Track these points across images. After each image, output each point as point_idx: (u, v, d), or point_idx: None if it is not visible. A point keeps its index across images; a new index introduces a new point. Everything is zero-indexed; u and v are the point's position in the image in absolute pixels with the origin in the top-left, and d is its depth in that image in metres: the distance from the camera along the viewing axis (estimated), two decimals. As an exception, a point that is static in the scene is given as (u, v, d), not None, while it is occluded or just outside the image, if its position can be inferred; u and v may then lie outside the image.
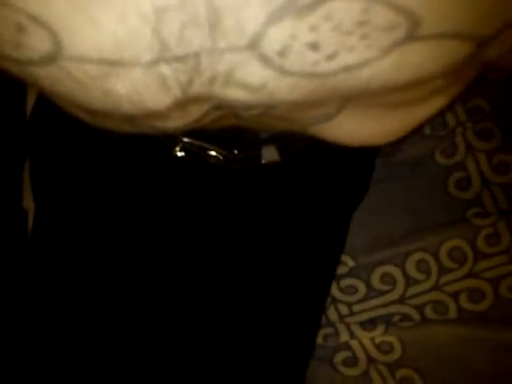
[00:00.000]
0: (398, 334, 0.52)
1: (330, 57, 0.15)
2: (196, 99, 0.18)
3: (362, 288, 0.53)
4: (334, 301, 0.53)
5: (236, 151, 0.40)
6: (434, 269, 0.53)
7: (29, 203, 0.50)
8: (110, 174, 0.47)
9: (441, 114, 0.53)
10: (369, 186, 0.53)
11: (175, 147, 0.41)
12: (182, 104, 0.17)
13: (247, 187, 0.48)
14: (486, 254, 0.52)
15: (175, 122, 0.20)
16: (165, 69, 0.16)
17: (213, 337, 0.49)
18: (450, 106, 0.52)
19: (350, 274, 0.54)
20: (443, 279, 0.52)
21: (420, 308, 0.53)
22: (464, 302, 0.52)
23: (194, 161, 0.42)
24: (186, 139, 0.40)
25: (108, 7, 0.14)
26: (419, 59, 0.16)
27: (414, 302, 0.53)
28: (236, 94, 0.17)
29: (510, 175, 0.52)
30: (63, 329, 0.47)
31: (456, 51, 0.16)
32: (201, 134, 0.39)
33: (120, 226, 0.47)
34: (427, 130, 0.54)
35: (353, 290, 0.54)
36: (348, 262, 0.54)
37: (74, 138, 0.48)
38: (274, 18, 0.14)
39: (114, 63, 0.15)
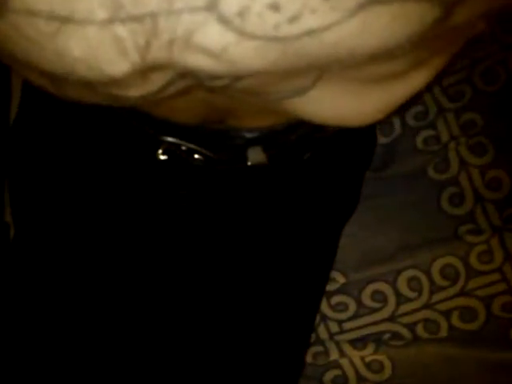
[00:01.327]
0: (389, 352, 0.51)
1: (292, 19, 0.14)
2: (157, 67, 0.17)
3: (353, 305, 0.52)
4: (324, 318, 0.52)
5: (221, 152, 0.39)
6: (426, 286, 0.52)
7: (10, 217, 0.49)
8: (92, 183, 0.46)
9: (432, 126, 0.52)
10: (358, 200, 0.52)
11: (158, 150, 0.39)
12: (143, 71, 0.17)
13: (233, 198, 0.46)
14: (478, 272, 0.51)
15: (137, 91, 0.19)
16: (121, 30, 0.15)
17: (201, 350, 0.47)
18: (428, 88, 0.51)
19: (341, 290, 0.52)
20: (435, 297, 0.51)
21: (411, 326, 0.52)
22: (456, 320, 0.51)
23: (178, 164, 0.40)
24: (169, 139, 0.38)
25: None
26: (384, 23, 0.15)
27: (405, 320, 0.52)
28: (197, 60, 0.16)
29: (503, 191, 0.51)
30: (48, 337, 0.46)
31: (421, 15, 0.15)
32: (184, 132, 0.38)
33: (106, 232, 0.46)
34: (420, 145, 0.53)
35: (343, 307, 0.52)
36: (339, 278, 0.52)
37: (55, 148, 0.46)
38: None
39: (66, 19, 0.15)
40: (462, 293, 0.51)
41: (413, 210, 0.53)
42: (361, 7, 0.15)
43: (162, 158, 0.39)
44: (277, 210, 0.49)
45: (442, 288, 0.51)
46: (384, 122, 0.54)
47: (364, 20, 0.15)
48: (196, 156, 0.39)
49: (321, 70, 0.20)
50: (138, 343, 0.46)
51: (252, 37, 0.15)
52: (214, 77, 0.17)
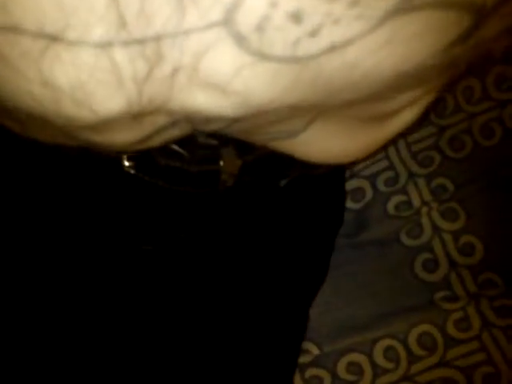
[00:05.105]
0: (367, 430, 0.48)
1: (313, 32, 0.13)
2: (151, 110, 0.15)
3: (328, 379, 0.49)
4: (298, 393, 0.49)
5: (193, 150, 0.37)
6: (403, 357, 0.49)
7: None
8: (56, 194, 0.44)
9: (403, 191, 0.52)
10: (329, 264, 0.50)
11: (122, 155, 0.37)
12: (135, 114, 0.15)
13: (199, 229, 0.45)
14: (456, 341, 0.49)
15: (122, 138, 0.17)
16: (119, 55, 0.13)
17: None
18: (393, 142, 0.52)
19: (315, 363, 0.49)
20: (414, 368, 0.49)
21: (390, 401, 0.49)
22: (437, 393, 0.49)
23: (145, 171, 0.38)
24: None
25: None
26: (411, 34, 0.14)
27: (383, 394, 0.49)
28: (199, 98, 0.14)
29: (477, 256, 0.50)
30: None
31: (452, 23, 0.14)
32: None
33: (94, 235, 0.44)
34: (391, 210, 0.52)
35: (318, 381, 0.49)
36: (312, 349, 0.50)
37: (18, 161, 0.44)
38: None
39: (55, 37, 0.12)
40: (441, 363, 0.49)
41: (387, 277, 0.51)
42: (389, 15, 0.13)
43: (127, 164, 0.37)
44: (249, 272, 0.47)
45: (421, 358, 0.49)
46: (356, 190, 0.53)
47: (390, 32, 0.13)
48: (163, 162, 0.37)
49: (323, 109, 0.19)
50: (134, 340, 0.44)
51: (268, 57, 0.14)
52: (212, 119, 0.16)
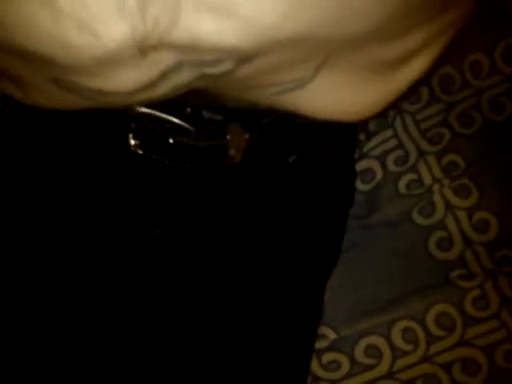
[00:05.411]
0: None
1: None
2: (155, 43, 0.14)
3: (346, 363, 0.48)
4: (316, 379, 0.47)
5: (199, 125, 0.36)
6: (422, 338, 0.48)
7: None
8: (69, 182, 0.42)
9: (414, 170, 0.51)
10: (341, 245, 0.49)
11: (128, 134, 0.36)
12: (140, 47, 0.14)
13: (208, 209, 0.43)
14: (475, 319, 0.48)
15: (127, 78, 0.16)
16: None
17: None
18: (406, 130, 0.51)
19: (332, 347, 0.48)
20: (433, 349, 0.48)
21: (410, 383, 0.47)
22: (457, 374, 0.47)
23: (151, 150, 0.37)
24: (143, 109, 0.34)
25: None
26: None
27: (403, 376, 0.47)
28: (204, 24, 0.14)
29: (492, 233, 0.49)
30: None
31: None
32: (161, 102, 0.36)
33: (98, 230, 0.42)
34: (402, 189, 0.51)
35: (335, 365, 0.48)
36: (329, 334, 0.48)
37: (27, 149, 0.42)
38: None
39: None
40: (461, 342, 0.48)
41: (400, 257, 0.50)
42: None
43: (133, 142, 0.36)
44: (258, 255, 0.45)
45: (440, 338, 0.48)
46: (365, 171, 0.52)
47: None
48: (171, 140, 0.36)
49: (329, 54, 0.19)
50: (143, 331, 0.42)
51: None
52: (217, 50, 0.15)
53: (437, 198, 0.50)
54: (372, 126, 0.52)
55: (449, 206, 0.50)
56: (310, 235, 0.47)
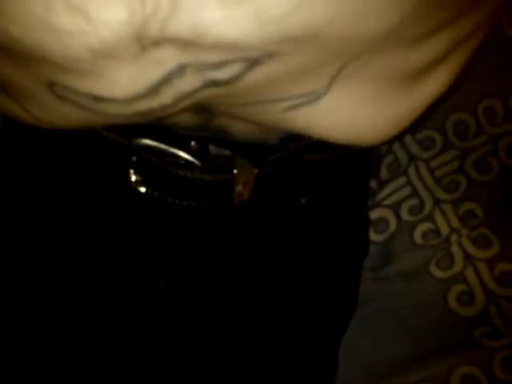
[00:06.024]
0: None
1: None
2: (153, 37, 0.13)
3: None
4: None
5: (205, 159, 0.34)
6: (447, 403, 0.43)
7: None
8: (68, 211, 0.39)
9: (431, 220, 0.48)
10: (356, 301, 0.45)
11: (129, 169, 0.34)
12: (139, 38, 0.13)
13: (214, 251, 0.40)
14: (505, 383, 0.44)
15: (127, 80, 0.15)
16: None
17: None
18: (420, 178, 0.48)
19: (347, 414, 0.43)
20: (459, 416, 0.43)
21: None
22: None
23: (154, 185, 0.35)
24: (146, 141, 0.33)
25: None
26: None
27: None
28: (208, 14, 0.13)
29: (517, 287, 0.46)
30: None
31: None
32: (165, 134, 0.33)
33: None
34: (418, 240, 0.48)
35: None
36: (343, 398, 0.44)
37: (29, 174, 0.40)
38: None
39: None
40: (491, 409, 0.43)
41: (418, 313, 0.46)
42: None
43: (133, 179, 0.33)
44: (268, 310, 0.42)
45: (467, 404, 0.43)
46: (378, 221, 0.49)
47: None
48: (174, 174, 0.34)
49: (344, 57, 0.17)
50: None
51: None
52: (227, 61, 0.15)
53: (455, 248, 0.47)
54: (384, 174, 0.50)
55: (468, 257, 0.47)
56: (323, 286, 0.43)
